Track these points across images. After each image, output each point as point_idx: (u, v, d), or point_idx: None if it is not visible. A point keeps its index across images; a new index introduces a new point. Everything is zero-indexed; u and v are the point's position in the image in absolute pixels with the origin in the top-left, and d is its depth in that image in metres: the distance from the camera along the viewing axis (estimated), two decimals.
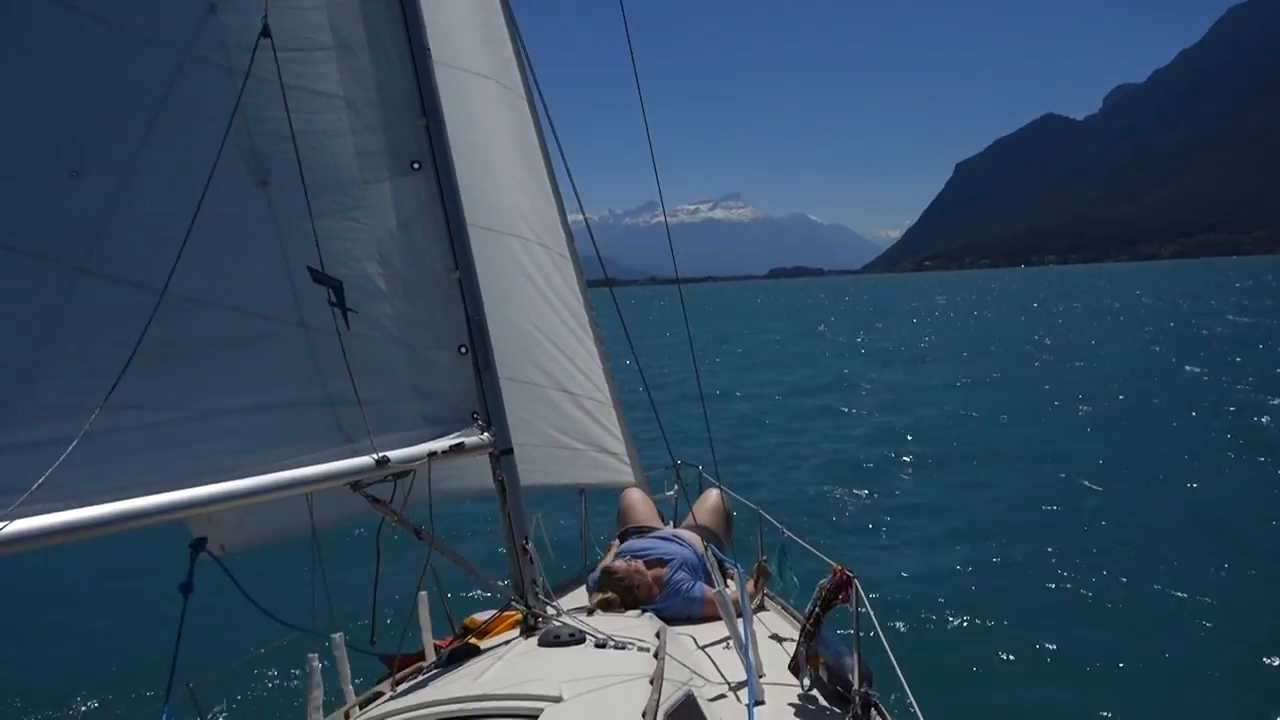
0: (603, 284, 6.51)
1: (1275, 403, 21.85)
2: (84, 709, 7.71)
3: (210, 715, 3.54)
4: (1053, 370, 31.82)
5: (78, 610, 10.29)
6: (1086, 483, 15.18)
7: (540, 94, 6.07)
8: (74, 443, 2.80)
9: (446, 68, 4.88)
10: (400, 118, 3.80)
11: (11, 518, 2.64)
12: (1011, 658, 8.28)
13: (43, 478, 2.72)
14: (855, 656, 3.69)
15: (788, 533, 5.15)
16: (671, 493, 7.04)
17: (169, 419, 3.17)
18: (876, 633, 3.44)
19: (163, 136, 3.28)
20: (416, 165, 3.85)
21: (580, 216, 6.24)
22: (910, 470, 17.29)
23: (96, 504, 2.81)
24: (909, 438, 20.32)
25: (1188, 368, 29.61)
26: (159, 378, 3.15)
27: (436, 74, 3.93)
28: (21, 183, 2.98)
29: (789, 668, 3.83)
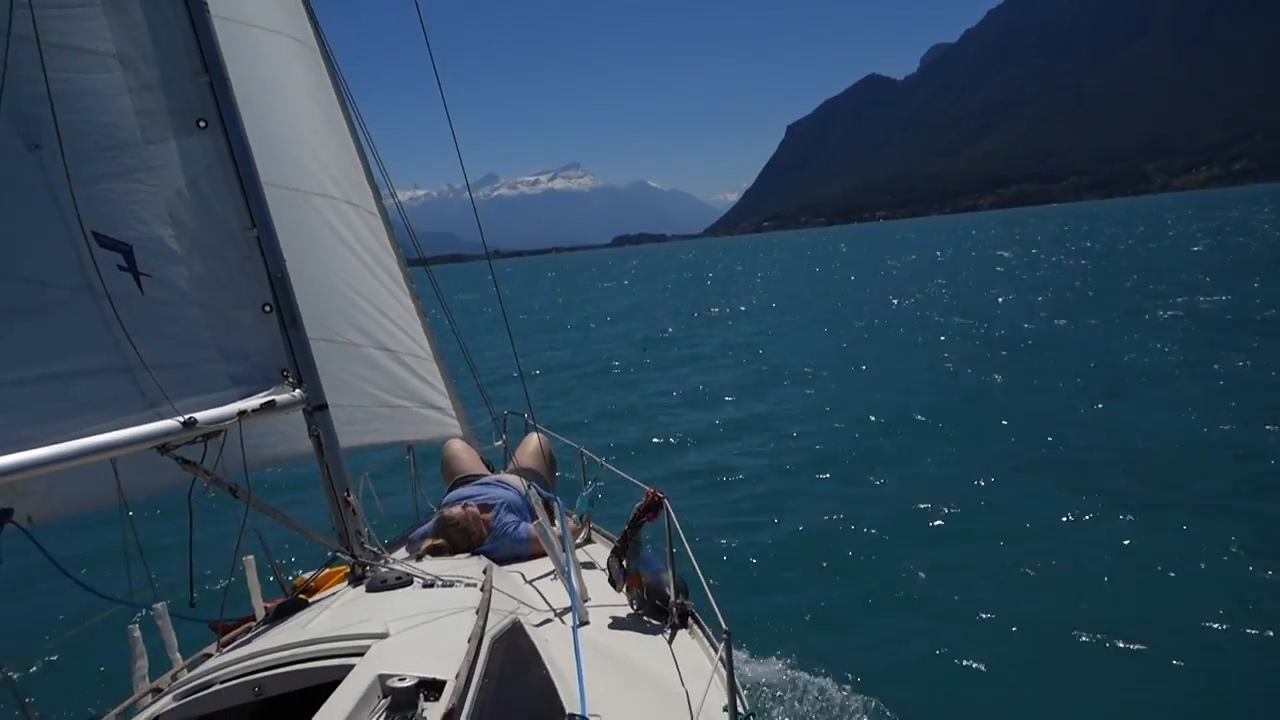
0: (418, 263, 6.54)
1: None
2: None
3: (31, 703, 3.45)
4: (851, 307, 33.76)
5: None
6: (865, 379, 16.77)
7: (331, 50, 5.98)
8: None
9: (234, 23, 4.77)
10: (180, 74, 3.72)
11: None
12: (800, 569, 9.12)
13: None
14: (670, 571, 3.95)
15: (606, 465, 5.36)
16: (500, 443, 7.16)
17: None
18: (685, 550, 3.69)
19: None
20: (202, 123, 3.77)
21: (391, 198, 6.23)
22: (725, 402, 18.18)
23: None
24: (721, 377, 21.37)
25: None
26: None
27: (224, 29, 3.85)
28: None
29: (608, 581, 4.04)
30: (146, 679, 3.85)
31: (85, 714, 4.23)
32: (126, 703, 3.68)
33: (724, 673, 3.10)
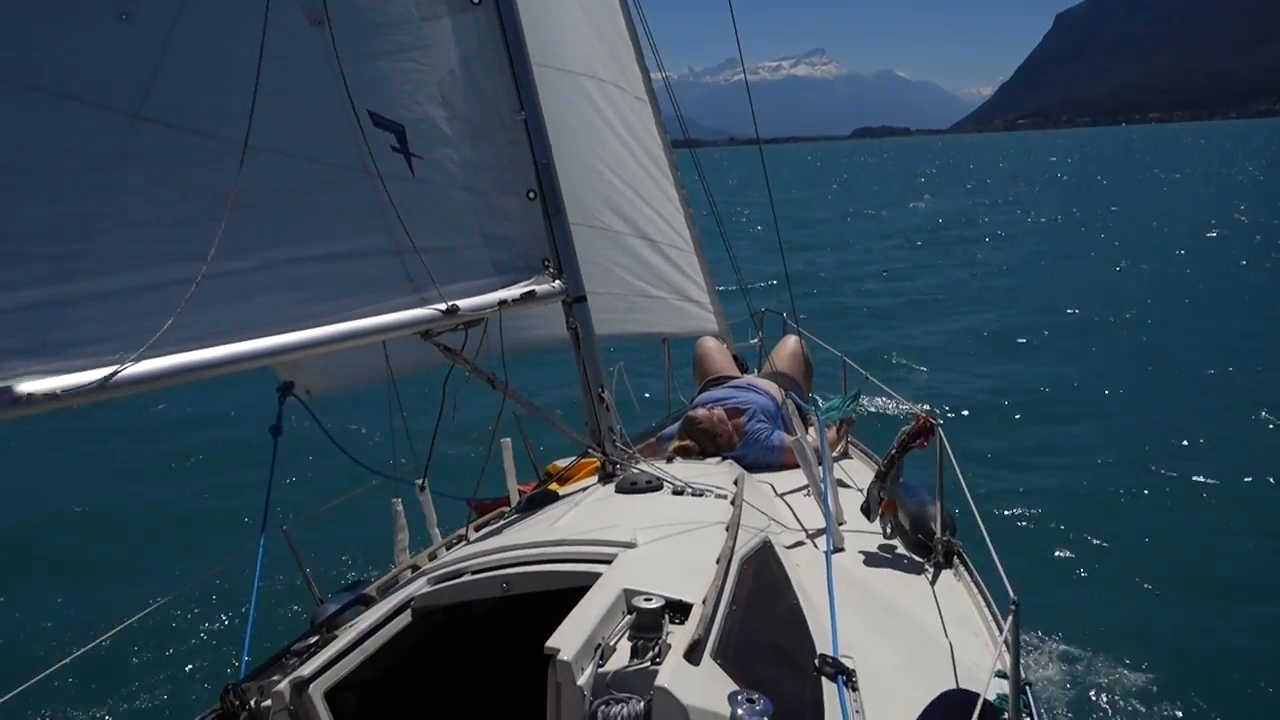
0: (684, 145, 6.30)
1: None
2: (173, 547, 8.20)
3: (302, 555, 3.69)
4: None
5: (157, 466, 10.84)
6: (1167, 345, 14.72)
7: None
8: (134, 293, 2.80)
9: None
10: None
11: (91, 370, 2.66)
12: (1085, 529, 8.06)
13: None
14: (938, 504, 3.61)
15: (871, 378, 5.02)
16: (755, 341, 6.94)
17: (240, 269, 3.14)
18: (960, 484, 3.34)
19: None
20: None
21: (659, 74, 5.98)
22: (1007, 329, 16.89)
23: (171, 354, 2.82)
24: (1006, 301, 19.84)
25: None
26: (231, 226, 3.10)
27: None
28: (73, 28, 2.89)
29: (860, 509, 3.76)
30: (406, 553, 4.00)
31: (350, 579, 4.49)
32: (387, 576, 3.84)
33: (993, 628, 2.78)
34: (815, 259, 27.33)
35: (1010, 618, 2.44)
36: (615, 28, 5.84)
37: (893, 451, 3.63)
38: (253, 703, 2.66)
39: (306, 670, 2.61)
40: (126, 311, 2.80)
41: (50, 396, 2.54)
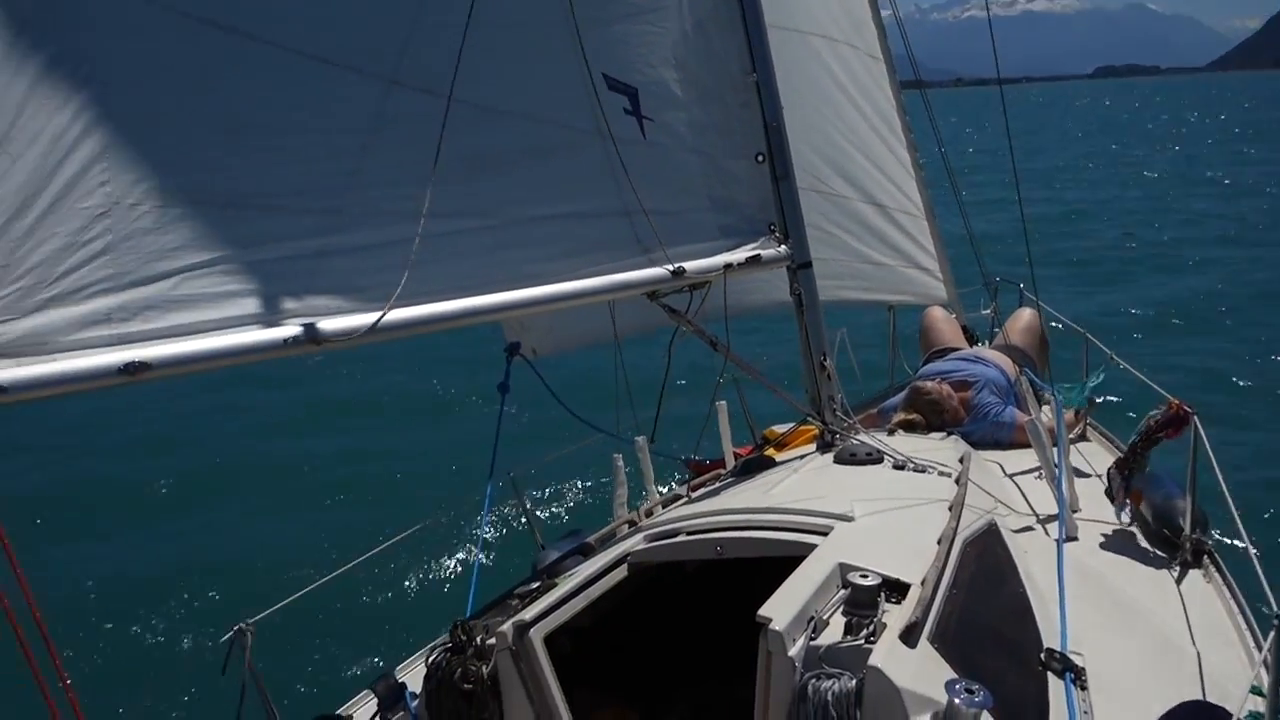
0: (913, 86, 6.03)
1: None
2: (406, 491, 8.77)
3: (526, 500, 3.87)
4: None
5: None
6: None
7: None
8: (385, 247, 2.98)
9: None
10: None
11: (349, 316, 2.87)
12: None
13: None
14: (1189, 499, 3.32)
15: (1115, 357, 4.68)
16: (987, 311, 6.62)
17: (478, 226, 3.30)
18: (1216, 477, 3.06)
19: None
20: None
21: (889, 12, 5.75)
22: None
23: (416, 305, 3.00)
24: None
25: None
26: (468, 186, 3.27)
27: None
28: None
29: (1105, 493, 3.52)
30: (625, 507, 4.11)
31: (572, 527, 4.67)
32: (605, 529, 3.96)
33: (1249, 640, 2.54)
34: (1044, 211, 25.48)
35: (1273, 634, 2.22)
36: None
37: (1137, 439, 3.38)
38: (478, 639, 2.82)
39: (528, 614, 2.74)
40: (378, 264, 3.00)
41: (316, 339, 2.76)
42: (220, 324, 2.77)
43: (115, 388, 2.58)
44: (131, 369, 2.52)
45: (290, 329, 2.77)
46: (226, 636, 3.07)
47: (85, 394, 2.57)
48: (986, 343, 6.03)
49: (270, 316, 2.83)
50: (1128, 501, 3.48)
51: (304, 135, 3.03)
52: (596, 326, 4.05)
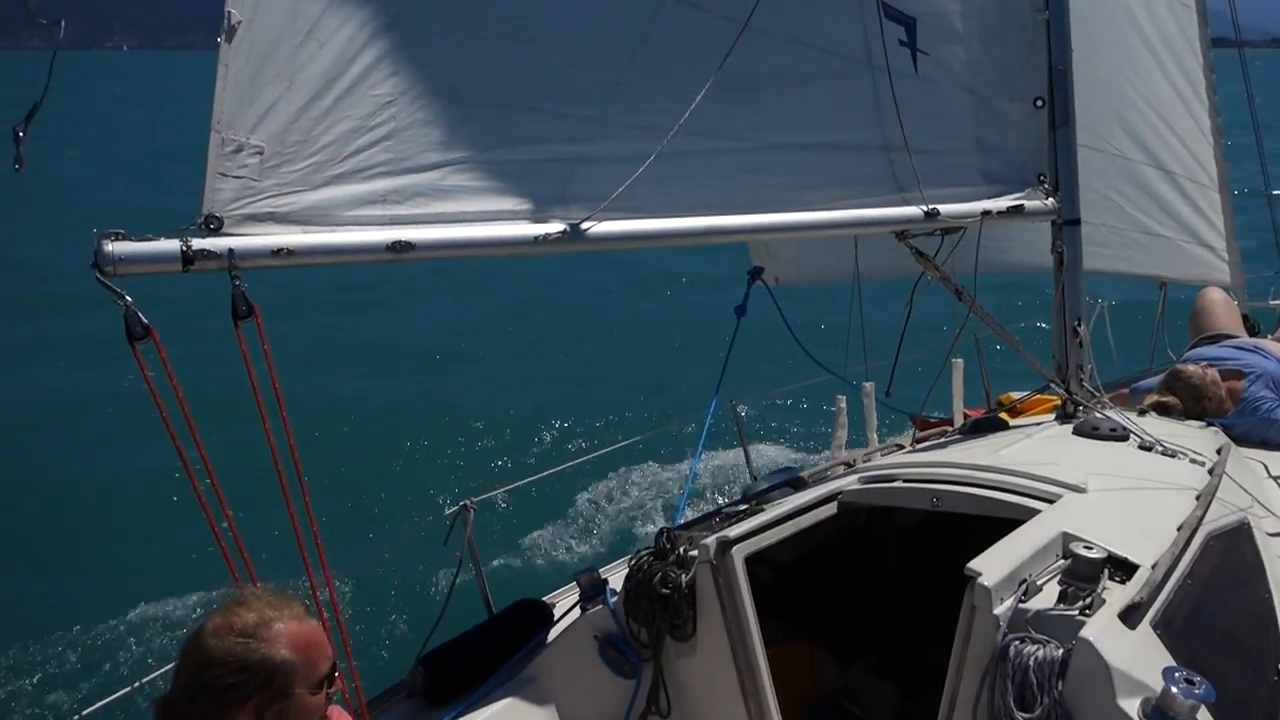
0: (1230, 45, 5.43)
1: None
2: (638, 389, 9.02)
3: (745, 426, 3.90)
4: None
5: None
6: None
7: None
8: (649, 161, 3.03)
9: None
10: None
11: (596, 221, 2.97)
12: None
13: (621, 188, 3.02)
14: None
15: None
16: (1277, 302, 5.98)
17: (733, 148, 3.29)
18: None
19: None
20: None
21: None
22: None
23: (664, 218, 3.06)
24: None
25: None
26: (729, 107, 3.25)
27: None
28: None
29: None
30: (843, 449, 4.06)
31: (788, 464, 4.67)
32: (820, 467, 3.93)
33: None
34: None
35: None
36: None
37: None
38: (681, 549, 2.89)
39: (733, 532, 2.78)
40: (630, 175, 3.06)
41: (566, 239, 2.88)
42: (480, 216, 2.93)
43: (384, 262, 2.80)
44: (398, 247, 2.72)
45: (544, 227, 2.90)
46: (451, 511, 3.30)
47: (358, 265, 2.81)
48: (1271, 335, 5.45)
49: (528, 213, 2.97)
50: None
51: (575, 43, 3.12)
52: (841, 263, 3.97)
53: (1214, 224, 5.60)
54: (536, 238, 2.87)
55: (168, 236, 2.37)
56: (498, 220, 2.94)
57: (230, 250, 2.41)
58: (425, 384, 9.94)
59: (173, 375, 2.12)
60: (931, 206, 3.36)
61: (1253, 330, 5.48)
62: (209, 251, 2.38)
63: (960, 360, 4.48)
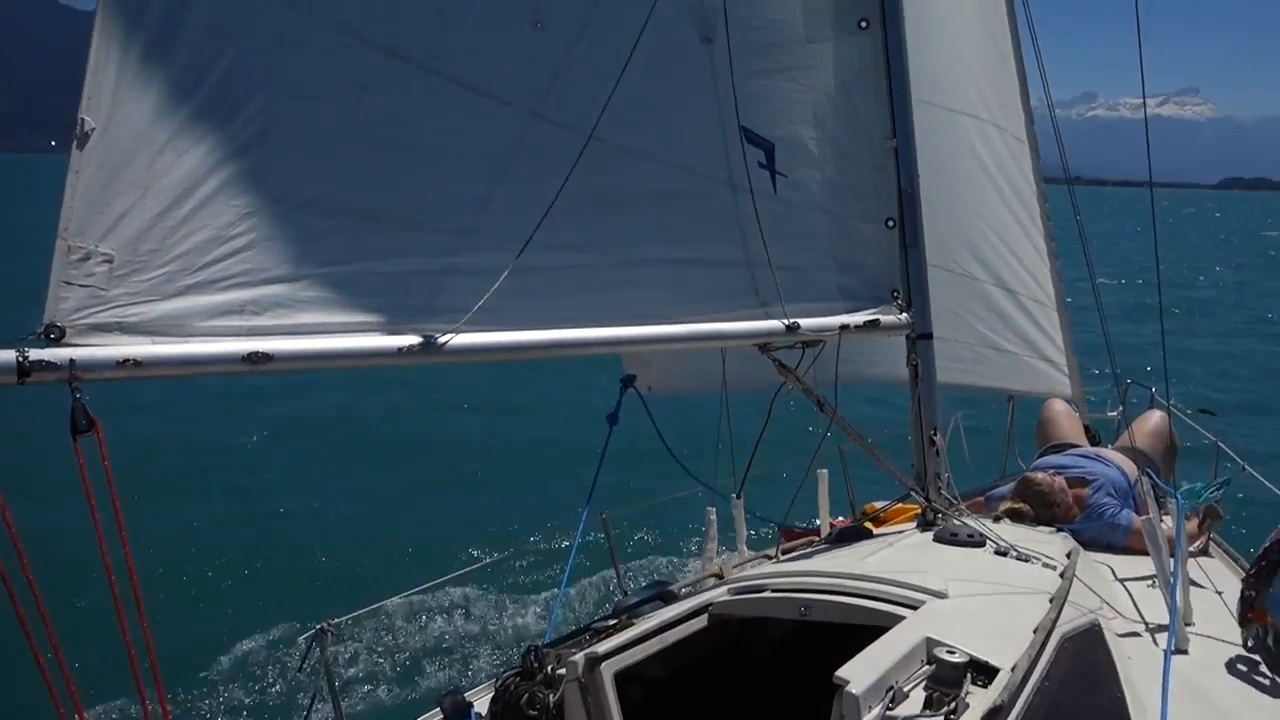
0: (1059, 181, 5.90)
1: None
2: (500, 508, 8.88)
3: (616, 540, 3.87)
4: None
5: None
6: None
7: None
8: (505, 273, 3.05)
9: None
10: None
11: (460, 333, 2.96)
12: None
13: (480, 301, 3.02)
14: None
15: (1247, 467, 4.41)
16: (1114, 414, 6.35)
17: (600, 262, 3.35)
18: None
19: None
20: (864, 24, 3.66)
21: (1044, 106, 5.66)
22: None
23: (530, 329, 3.07)
24: None
25: None
26: (594, 222, 3.33)
27: None
28: (495, 33, 3.23)
29: (1238, 619, 3.29)
30: (713, 561, 4.05)
31: (659, 574, 4.63)
32: (692, 579, 3.91)
33: None
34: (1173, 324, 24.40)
35: None
36: (1003, 64, 5.61)
37: (1268, 546, 3.17)
38: (549, 668, 2.80)
39: (601, 648, 2.71)
40: (499, 287, 3.07)
41: (430, 351, 2.84)
42: (343, 327, 2.89)
43: (239, 374, 2.70)
44: (255, 359, 2.64)
45: (407, 339, 2.87)
46: (308, 634, 3.13)
47: (211, 376, 2.71)
48: (1110, 445, 5.77)
49: (390, 325, 2.93)
50: (1251, 621, 3.25)
51: (447, 158, 3.16)
52: (713, 373, 4.05)
53: (1054, 340, 5.96)
54: (400, 349, 2.83)
55: (3, 346, 2.24)
56: (361, 332, 2.90)
57: (71, 361, 2.29)
58: (286, 497, 9.54)
59: (110, 470, 1.99)
60: (792, 320, 3.48)
61: (1094, 439, 5.79)
62: (48, 363, 2.26)
63: (825, 471, 4.58)
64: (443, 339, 2.88)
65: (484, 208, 3.17)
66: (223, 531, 8.60)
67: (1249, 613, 3.20)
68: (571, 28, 3.34)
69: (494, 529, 8.19)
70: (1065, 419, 5.62)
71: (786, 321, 3.47)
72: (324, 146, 2.95)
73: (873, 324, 3.65)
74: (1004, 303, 5.83)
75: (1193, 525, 4.42)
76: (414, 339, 2.87)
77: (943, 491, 3.91)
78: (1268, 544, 3.17)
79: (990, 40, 5.61)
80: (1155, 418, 5.43)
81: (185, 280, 2.70)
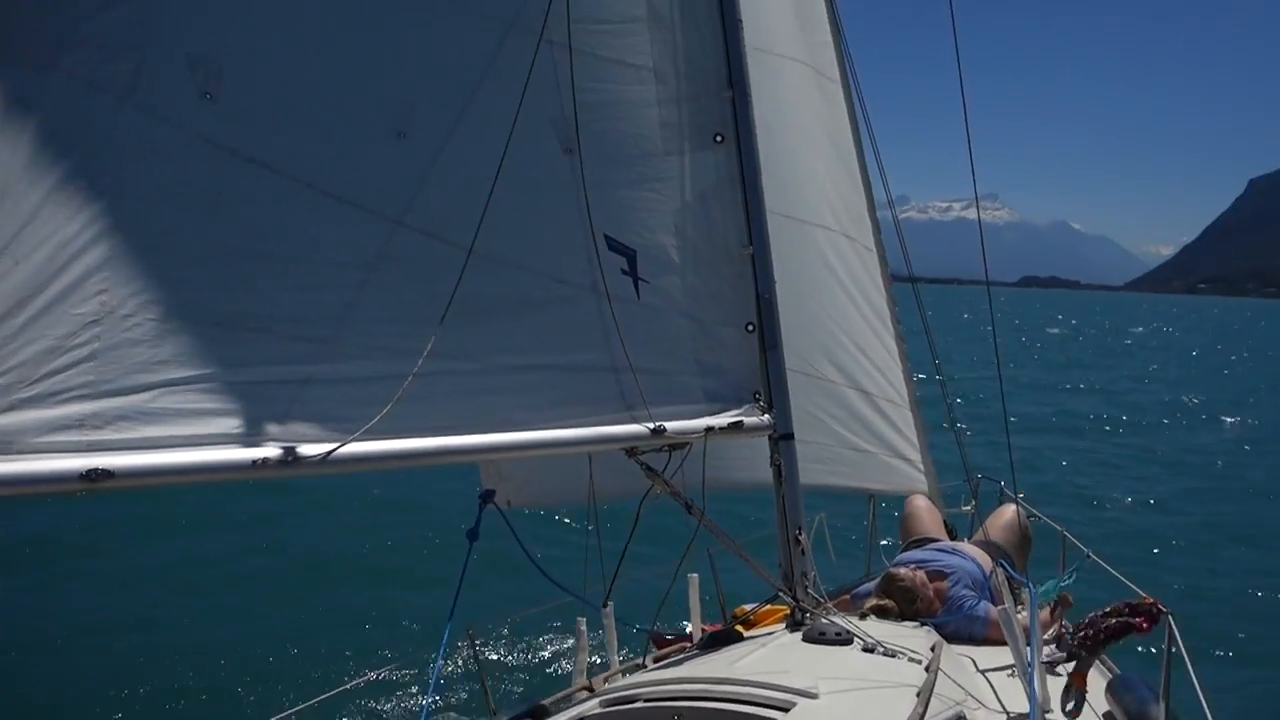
0: (905, 280, 6.22)
1: None
2: (367, 641, 8.48)
3: (483, 659, 3.73)
4: None
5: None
6: None
7: (857, 81, 5.89)
8: (373, 381, 2.99)
9: (759, 52, 4.81)
10: (706, 90, 3.79)
11: (319, 445, 2.85)
12: None
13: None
14: (1162, 705, 3.22)
15: (1094, 556, 4.63)
16: (967, 508, 6.59)
17: (464, 370, 3.32)
18: (1192, 682, 2.98)
19: (484, 103, 3.45)
20: (719, 139, 3.82)
21: (889, 212, 5.99)
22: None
23: (391, 439, 2.99)
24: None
25: None
26: (459, 330, 3.30)
27: (748, 59, 3.88)
28: (356, 142, 3.23)
29: (1064, 688, 3.42)
30: (584, 673, 3.96)
31: (527, 689, 4.49)
32: (563, 692, 3.80)
33: None
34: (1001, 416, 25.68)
35: None
36: (849, 176, 5.93)
37: (1099, 614, 3.32)
38: None
39: None
40: (358, 397, 3.00)
41: (285, 464, 2.73)
42: (192, 440, 2.75)
43: (77, 494, 2.53)
44: (94, 476, 2.49)
45: (260, 451, 2.75)
46: None
47: (52, 495, 2.53)
48: (967, 538, 5.97)
49: (244, 437, 2.81)
50: (1070, 684, 3.39)
51: (305, 265, 3.10)
52: (575, 483, 4.01)
53: (910, 439, 6.18)
54: (254, 462, 2.72)
55: None
56: (214, 445, 2.77)
57: None
58: (126, 629, 8.86)
59: None
60: (658, 424, 3.51)
61: (952, 534, 5.99)
62: None
63: (695, 575, 4.57)
64: (304, 450, 2.78)
65: (345, 315, 3.12)
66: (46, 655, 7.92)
67: (1070, 676, 3.35)
68: (435, 137, 3.38)
69: (352, 647, 7.79)
70: (926, 514, 5.80)
71: (652, 425, 3.50)
72: (176, 253, 2.85)
73: (737, 425, 3.72)
74: (860, 404, 6.04)
75: (1046, 614, 4.58)
76: (270, 451, 2.76)
77: (810, 591, 3.95)
78: (1102, 611, 3.32)
79: (836, 154, 5.94)
80: (1008, 512, 5.66)
81: (19, 394, 2.53)
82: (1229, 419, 28.84)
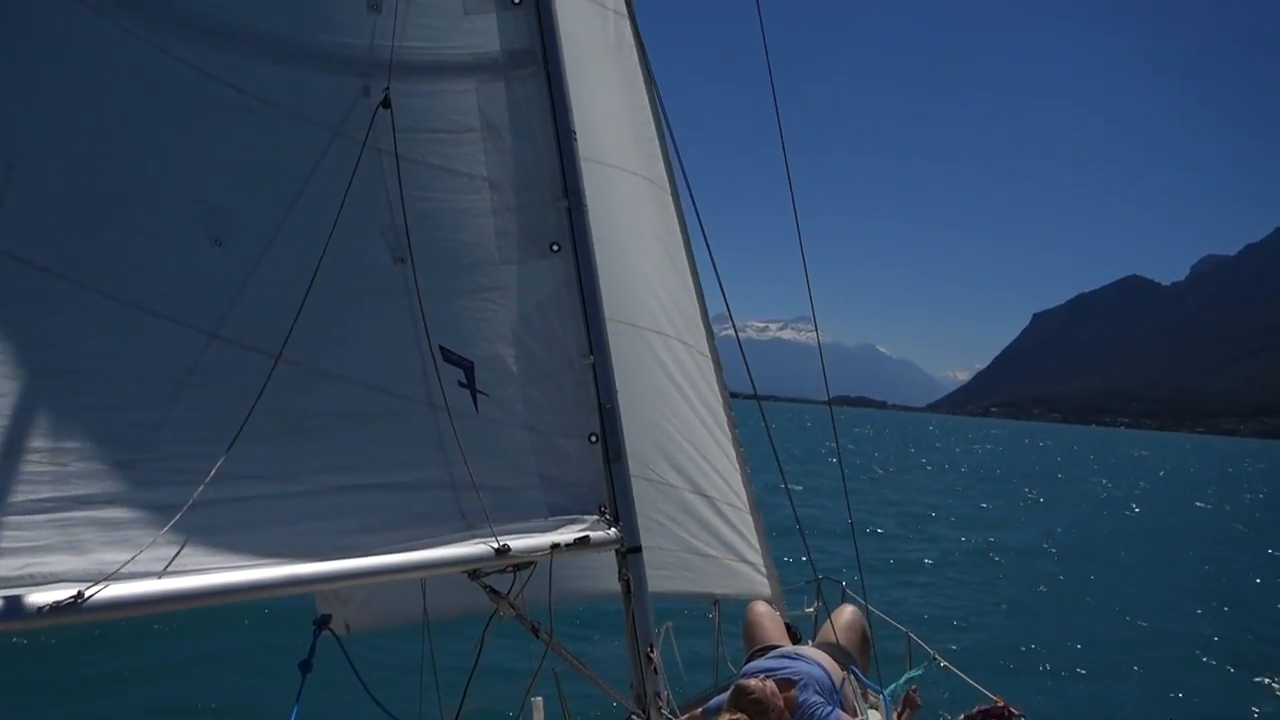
0: (750, 397, 6.30)
1: None
2: None
3: None
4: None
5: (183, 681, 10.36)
6: None
7: (691, 191, 6.01)
8: (183, 510, 2.71)
9: (592, 163, 4.84)
10: (541, 199, 3.74)
11: (116, 584, 2.54)
12: None
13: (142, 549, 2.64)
14: None
15: (938, 657, 4.67)
16: (810, 609, 6.59)
17: (291, 491, 3.07)
18: None
19: (307, 210, 3.28)
20: (555, 247, 3.76)
21: (730, 330, 6.08)
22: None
23: (208, 573, 2.70)
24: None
25: None
26: (283, 448, 3.07)
27: (583, 170, 3.86)
28: (166, 249, 3.00)
29: None
30: None
31: None
32: None
33: None
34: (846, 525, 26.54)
35: None
36: (683, 285, 6.00)
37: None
38: None
39: None
40: (165, 526, 2.71)
41: (79, 609, 2.41)
42: None
43: None
44: None
45: (50, 595, 2.42)
46: None
47: None
48: (810, 640, 5.95)
49: (30, 579, 2.47)
50: None
51: (106, 383, 2.82)
52: (416, 605, 3.75)
53: (751, 542, 6.17)
54: (40, 609, 2.38)
55: None
56: None
57: None
58: None
59: None
60: (502, 543, 3.32)
61: (795, 637, 5.96)
62: None
63: (539, 699, 4.34)
64: (96, 591, 2.46)
65: (150, 437, 2.83)
66: None
67: None
68: (254, 245, 3.18)
69: None
70: (768, 620, 5.75)
71: (496, 544, 3.31)
72: None
73: (583, 541, 3.57)
74: (701, 508, 6.00)
75: (897, 718, 4.56)
76: (60, 594, 2.43)
77: (663, 710, 3.79)
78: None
79: (670, 262, 6.00)
80: (847, 612, 5.68)
81: None
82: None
